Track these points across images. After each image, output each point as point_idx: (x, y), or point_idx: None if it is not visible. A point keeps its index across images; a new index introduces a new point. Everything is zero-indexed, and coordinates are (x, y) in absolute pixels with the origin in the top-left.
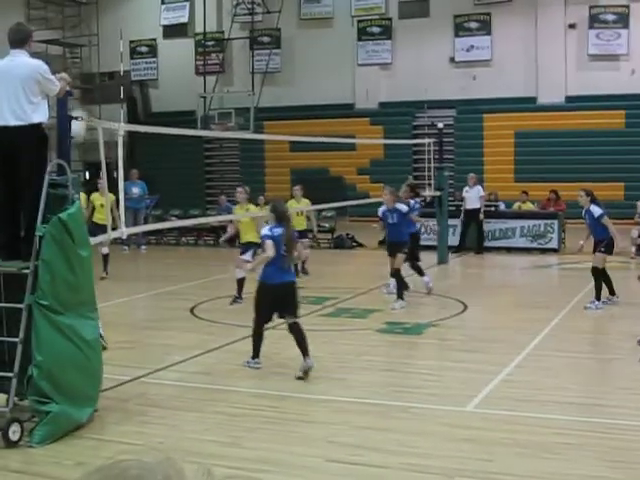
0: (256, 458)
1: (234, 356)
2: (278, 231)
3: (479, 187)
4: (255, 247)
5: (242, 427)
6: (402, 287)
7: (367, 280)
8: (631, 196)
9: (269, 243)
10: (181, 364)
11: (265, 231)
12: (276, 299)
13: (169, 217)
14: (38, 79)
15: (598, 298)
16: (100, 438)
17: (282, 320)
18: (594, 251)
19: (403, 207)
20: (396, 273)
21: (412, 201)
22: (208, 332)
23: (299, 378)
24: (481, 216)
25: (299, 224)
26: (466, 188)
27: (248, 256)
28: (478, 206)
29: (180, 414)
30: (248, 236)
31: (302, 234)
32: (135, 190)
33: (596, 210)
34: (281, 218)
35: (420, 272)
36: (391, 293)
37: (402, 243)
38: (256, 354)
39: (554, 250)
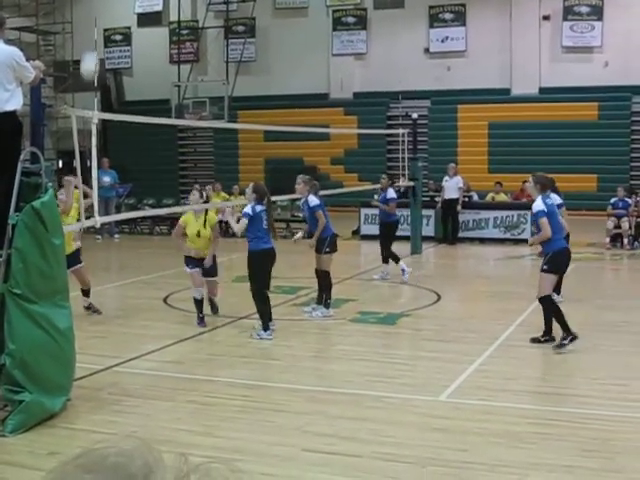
0: (231, 447)
1: (207, 345)
2: (260, 207)
3: (459, 178)
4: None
5: (216, 416)
6: (328, 293)
7: (340, 270)
8: (604, 187)
9: (244, 220)
10: (154, 353)
11: (247, 209)
12: (271, 262)
13: (143, 206)
14: (13, 65)
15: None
16: (73, 427)
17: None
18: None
19: (313, 200)
20: (324, 275)
21: (391, 190)
22: (181, 321)
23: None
24: (458, 207)
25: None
26: (446, 178)
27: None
28: (456, 196)
29: (154, 403)
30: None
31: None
32: (106, 179)
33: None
34: (262, 197)
35: (395, 259)
36: (385, 279)
37: (320, 240)
38: (270, 319)
39: (527, 241)
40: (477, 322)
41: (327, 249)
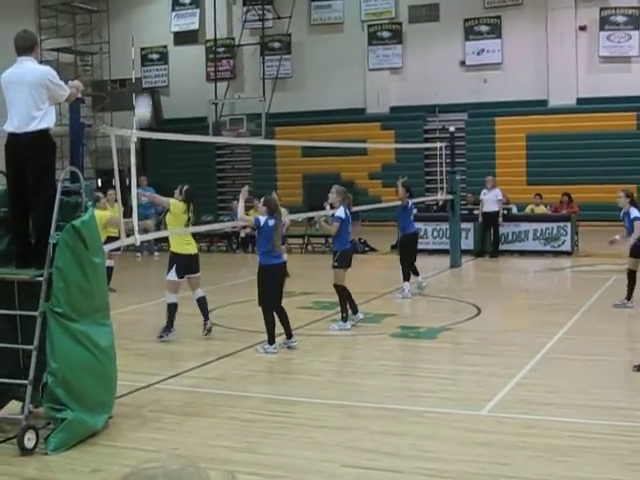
0: (272, 464)
1: (247, 362)
2: (271, 222)
3: (497, 190)
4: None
5: (256, 433)
6: (343, 307)
7: (380, 285)
8: None
9: (251, 219)
10: (195, 370)
11: (257, 218)
12: (281, 277)
13: None
14: (47, 85)
15: (629, 298)
16: (115, 445)
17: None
18: (630, 254)
19: (339, 211)
20: (338, 290)
21: (409, 202)
22: (221, 338)
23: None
24: (500, 220)
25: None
26: (484, 191)
27: (172, 275)
28: (496, 209)
29: (195, 420)
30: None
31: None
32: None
33: (635, 212)
34: (272, 210)
35: (415, 272)
36: (406, 297)
37: (333, 253)
38: (274, 339)
39: (567, 253)
40: (518, 335)
41: (335, 263)
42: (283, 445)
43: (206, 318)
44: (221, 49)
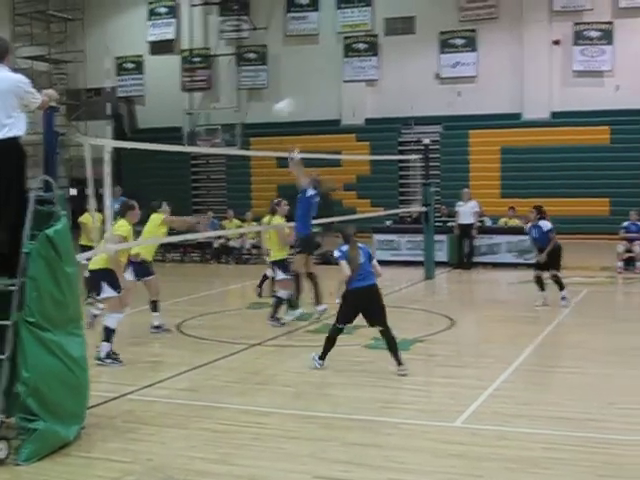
0: (245, 475)
1: (221, 373)
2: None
3: (474, 202)
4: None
5: (230, 444)
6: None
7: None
8: (616, 211)
9: (343, 263)
10: (168, 381)
11: (336, 252)
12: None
13: None
14: (18, 93)
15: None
16: (88, 456)
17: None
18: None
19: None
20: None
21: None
22: (195, 349)
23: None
24: (474, 232)
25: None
26: (460, 203)
27: (129, 275)
28: (471, 221)
29: (168, 431)
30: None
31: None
32: (117, 207)
33: (547, 225)
34: (346, 238)
35: None
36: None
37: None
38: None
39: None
40: (491, 347)
41: (297, 249)
42: (256, 456)
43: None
44: (197, 59)
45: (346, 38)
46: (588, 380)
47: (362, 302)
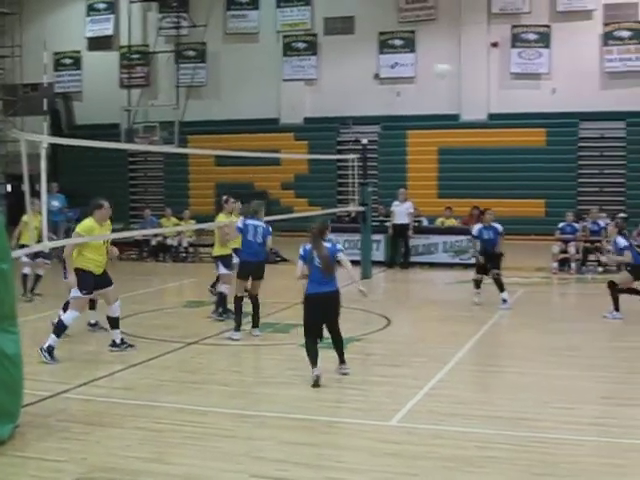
0: (180, 474)
1: (157, 371)
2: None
3: (409, 203)
4: None
5: (166, 443)
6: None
7: (290, 295)
8: (552, 213)
9: (298, 264)
10: (104, 379)
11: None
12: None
13: None
14: None
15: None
16: (22, 455)
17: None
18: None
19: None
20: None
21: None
22: (128, 348)
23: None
24: (410, 232)
25: None
26: (396, 202)
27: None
28: (407, 221)
29: (103, 430)
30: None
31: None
32: (55, 203)
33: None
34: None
35: None
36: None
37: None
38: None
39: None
40: (427, 346)
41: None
42: (192, 455)
43: None
44: (135, 56)
45: (285, 37)
46: (523, 379)
47: (319, 311)
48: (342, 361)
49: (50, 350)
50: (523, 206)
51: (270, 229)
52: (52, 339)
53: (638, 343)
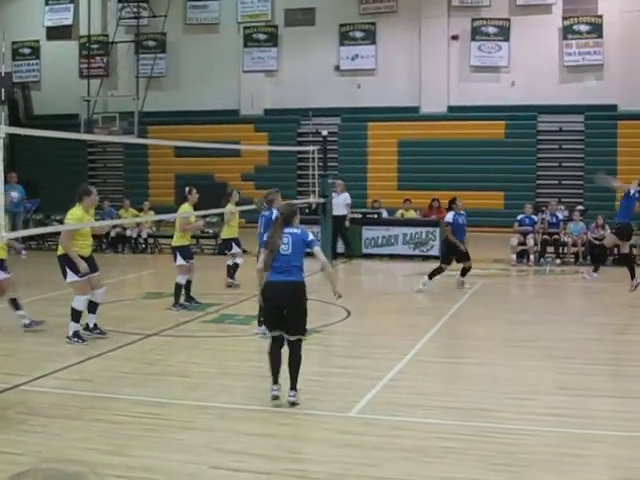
0: (139, 466)
1: (117, 363)
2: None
3: (346, 194)
4: None
5: (124, 435)
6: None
7: (251, 286)
8: (511, 205)
9: (261, 252)
10: (63, 371)
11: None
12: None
13: (51, 222)
14: None
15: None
16: None
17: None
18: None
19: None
20: None
21: None
22: (90, 338)
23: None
24: (347, 223)
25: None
26: (333, 194)
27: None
28: (344, 213)
29: (62, 422)
30: None
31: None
32: (14, 194)
33: (449, 216)
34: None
35: None
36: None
37: None
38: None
39: (436, 257)
40: (387, 338)
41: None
42: (151, 447)
43: None
44: (95, 46)
45: (246, 28)
46: (481, 370)
47: (278, 301)
48: (293, 386)
49: (77, 335)
50: (482, 198)
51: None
52: (73, 326)
53: (596, 334)
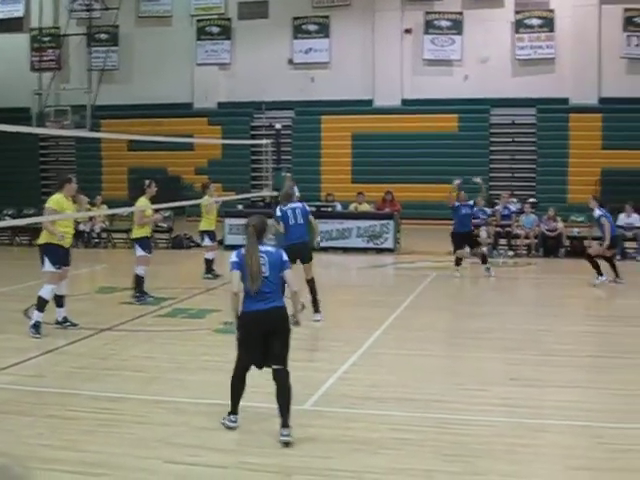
0: (93, 461)
1: (70, 358)
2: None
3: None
4: None
5: (78, 430)
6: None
7: (205, 280)
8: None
9: (233, 274)
10: (15, 367)
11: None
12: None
13: (2, 217)
14: None
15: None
16: None
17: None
18: None
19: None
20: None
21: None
22: (43, 334)
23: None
24: None
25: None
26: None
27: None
28: None
29: (14, 418)
30: None
31: None
32: None
33: None
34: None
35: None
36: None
37: None
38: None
39: (390, 250)
40: (341, 331)
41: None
42: (105, 442)
43: None
44: (46, 38)
45: (199, 21)
46: (434, 362)
47: (261, 331)
48: (285, 423)
49: (36, 327)
50: (435, 191)
51: (308, 208)
52: (37, 315)
53: (546, 325)
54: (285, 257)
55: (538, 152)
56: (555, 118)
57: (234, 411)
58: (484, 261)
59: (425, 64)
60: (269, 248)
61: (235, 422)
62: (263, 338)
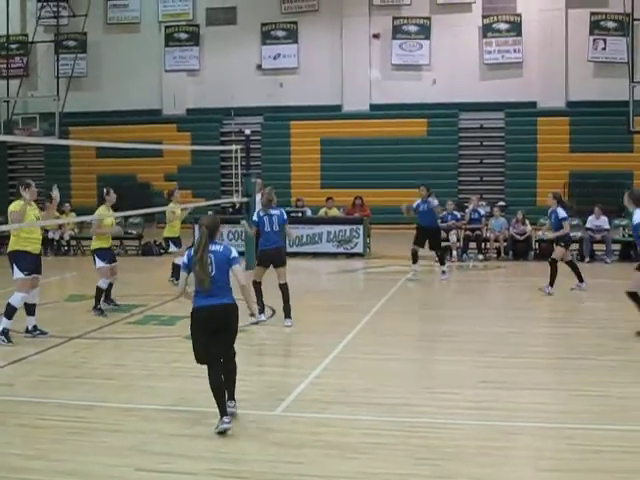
0: (64, 470)
1: (39, 367)
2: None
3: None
4: None
5: (48, 439)
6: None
7: (175, 287)
8: None
9: (182, 276)
10: None
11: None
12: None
13: None
14: None
15: None
16: None
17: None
18: None
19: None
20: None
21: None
22: (15, 342)
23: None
24: None
25: None
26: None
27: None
28: None
29: None
30: None
31: None
32: None
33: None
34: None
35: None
36: None
37: None
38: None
39: (360, 255)
40: (312, 336)
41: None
42: (76, 451)
43: None
44: (14, 45)
45: (167, 27)
46: (405, 366)
47: (210, 326)
48: (231, 396)
49: (5, 334)
50: (404, 195)
51: (285, 216)
52: (5, 322)
53: (515, 328)
54: (234, 254)
55: (507, 156)
56: (523, 122)
57: (224, 413)
58: (442, 262)
59: (393, 69)
60: (217, 247)
61: (229, 422)
62: (212, 334)
